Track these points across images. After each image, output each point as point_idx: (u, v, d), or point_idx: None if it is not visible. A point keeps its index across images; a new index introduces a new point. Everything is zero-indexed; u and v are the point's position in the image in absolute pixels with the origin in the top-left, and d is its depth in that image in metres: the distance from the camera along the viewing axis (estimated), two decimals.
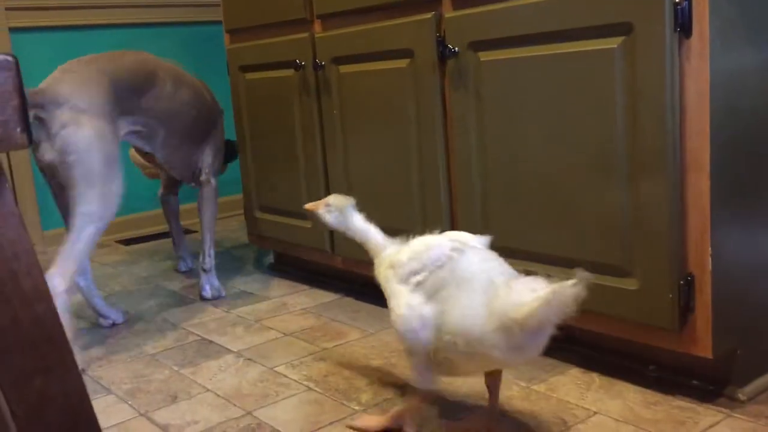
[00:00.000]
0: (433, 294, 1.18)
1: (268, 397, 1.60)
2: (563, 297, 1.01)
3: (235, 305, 2.27)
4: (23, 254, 0.48)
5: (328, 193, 2.21)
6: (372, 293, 2.15)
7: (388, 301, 1.28)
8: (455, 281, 1.16)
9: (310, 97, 2.18)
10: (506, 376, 1.60)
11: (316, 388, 1.62)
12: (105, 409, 1.61)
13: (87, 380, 1.77)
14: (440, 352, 1.17)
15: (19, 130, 0.43)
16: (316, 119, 2.18)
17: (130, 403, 1.63)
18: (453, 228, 1.81)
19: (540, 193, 1.59)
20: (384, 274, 1.31)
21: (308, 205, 1.54)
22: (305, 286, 2.40)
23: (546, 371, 1.62)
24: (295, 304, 2.23)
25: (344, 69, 2.04)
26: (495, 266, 1.18)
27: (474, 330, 1.11)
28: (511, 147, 1.63)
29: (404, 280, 1.23)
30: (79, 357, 1.91)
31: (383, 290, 1.32)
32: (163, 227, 3.48)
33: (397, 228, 1.86)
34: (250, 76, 2.44)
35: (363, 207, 2.10)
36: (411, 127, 1.87)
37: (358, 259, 2.04)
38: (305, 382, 1.66)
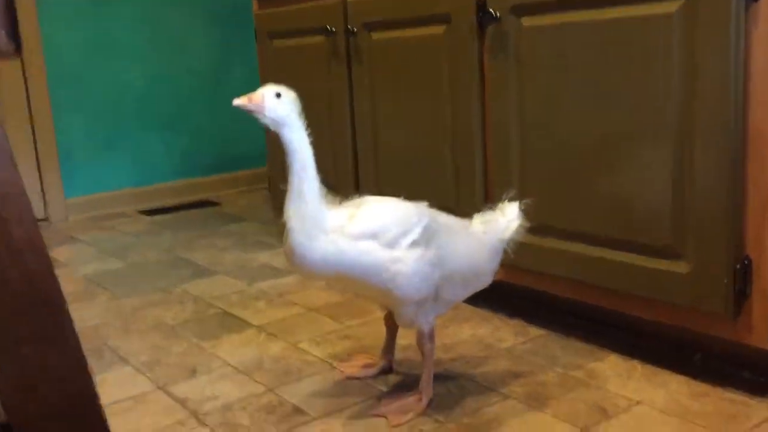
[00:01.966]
0: (428, 243, 1.26)
1: (290, 374, 1.54)
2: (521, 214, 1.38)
3: (258, 279, 2.20)
4: (14, 198, 0.39)
5: (356, 167, 2.12)
6: None
7: (374, 273, 1.22)
8: (442, 229, 1.30)
9: (340, 65, 2.09)
10: (540, 360, 1.51)
11: (341, 367, 1.55)
12: (121, 380, 1.55)
13: (104, 350, 1.72)
14: (440, 293, 1.31)
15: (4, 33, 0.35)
16: (345, 89, 2.09)
17: (148, 375, 1.57)
18: (488, 203, 1.72)
19: (583, 168, 1.49)
20: (359, 246, 1.21)
21: (238, 100, 1.23)
22: None
23: (583, 357, 1.53)
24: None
25: (377, 35, 1.95)
26: (447, 214, 1.38)
27: (477, 263, 1.34)
28: (554, 119, 1.53)
29: (392, 244, 1.23)
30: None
31: (357, 263, 1.22)
32: (187, 198, 3.43)
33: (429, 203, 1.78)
34: (278, 43, 2.35)
35: (392, 182, 2.03)
36: (446, 98, 1.77)
37: None
38: (329, 360, 1.59)
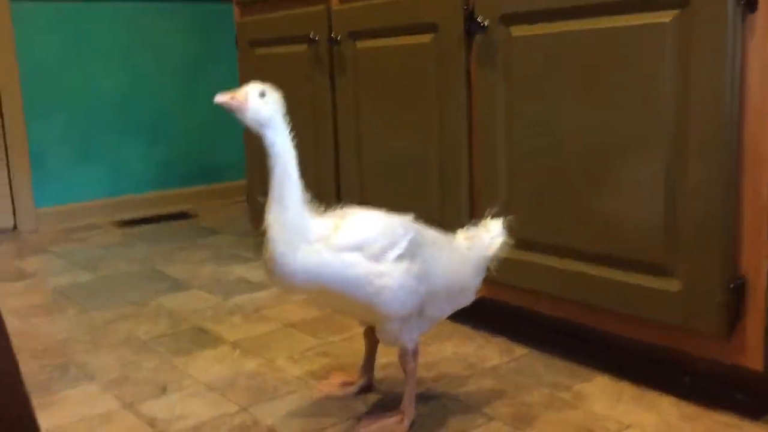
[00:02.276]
0: (413, 257, 1.22)
1: (265, 393, 1.47)
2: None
3: (233, 293, 2.13)
4: None
5: (337, 179, 2.07)
6: None
7: (360, 285, 1.17)
8: (427, 243, 1.26)
9: (323, 75, 2.04)
10: (525, 380, 1.46)
11: (318, 386, 1.48)
12: (86, 398, 1.48)
13: (70, 366, 1.63)
14: (424, 309, 1.27)
15: None
16: (328, 99, 2.05)
17: (115, 392, 1.50)
18: (473, 216, 1.67)
19: (572, 181, 1.45)
20: (344, 258, 1.16)
21: (221, 97, 1.17)
22: None
23: (570, 377, 1.48)
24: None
25: (362, 44, 1.91)
26: (427, 228, 1.32)
27: (461, 278, 1.30)
28: (543, 131, 1.49)
29: (377, 257, 1.18)
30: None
31: (342, 275, 1.16)
32: (162, 210, 3.35)
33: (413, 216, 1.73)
34: (259, 51, 2.30)
35: (375, 195, 1.98)
36: (432, 109, 1.73)
37: None
38: (306, 378, 1.53)
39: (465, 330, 1.75)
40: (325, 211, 1.24)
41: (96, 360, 1.67)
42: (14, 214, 3.11)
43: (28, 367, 1.64)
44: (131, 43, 3.31)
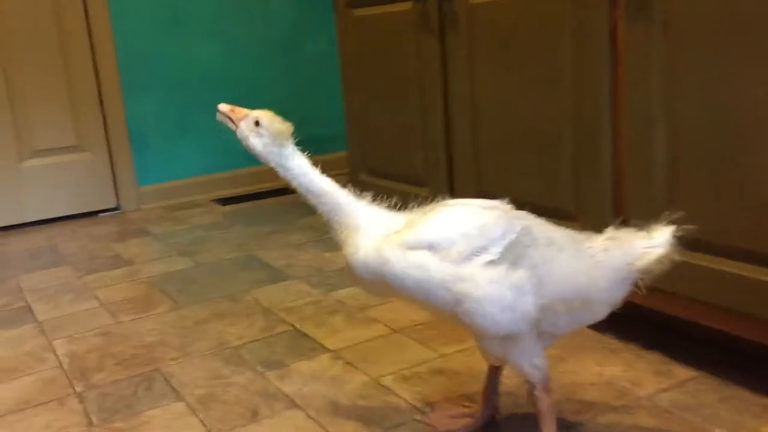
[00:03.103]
0: (516, 260, 0.98)
1: (370, 423, 1.24)
2: (672, 240, 1.00)
3: (336, 286, 1.91)
4: None
5: (449, 155, 1.79)
6: None
7: (426, 291, 1.00)
8: (541, 243, 1.00)
9: (431, 36, 1.76)
10: (696, 419, 1.15)
11: (430, 420, 1.24)
12: (170, 421, 1.30)
13: (156, 378, 1.47)
14: (540, 326, 1.01)
15: None
16: (437, 63, 1.76)
17: (201, 416, 1.31)
18: (620, 211, 1.36)
19: (761, 166, 1.11)
20: (409, 258, 1.00)
21: (223, 107, 1.13)
22: None
23: (756, 415, 1.16)
24: None
25: None
26: (552, 225, 1.05)
27: (587, 288, 1.00)
28: (718, 100, 1.15)
29: (458, 260, 0.98)
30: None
31: (405, 277, 1.00)
32: (263, 185, 3.19)
33: (540, 205, 1.44)
34: (359, 12, 2.04)
35: (493, 174, 1.70)
36: (565, 72, 1.41)
37: None
38: (419, 404, 1.28)
39: (609, 341, 1.45)
40: (421, 206, 1.08)
41: (184, 371, 1.50)
42: (117, 193, 3.03)
43: (113, 378, 1.49)
44: (226, 13, 3.12)
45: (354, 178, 2.24)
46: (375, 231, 1.05)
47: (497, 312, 0.97)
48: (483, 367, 1.21)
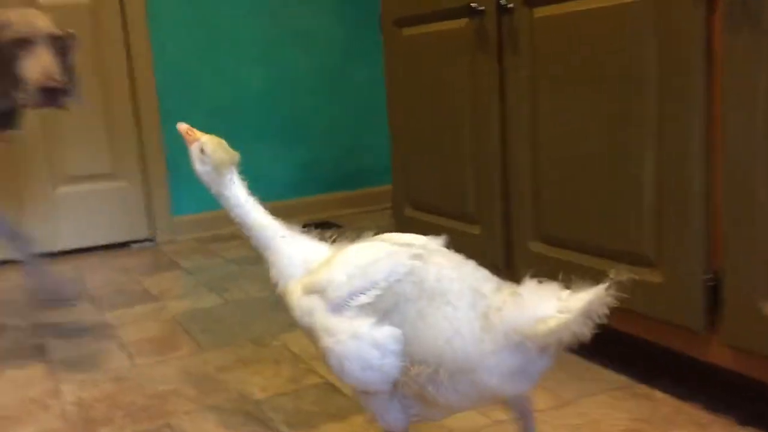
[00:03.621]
0: (387, 313, 0.89)
1: None
2: (596, 306, 0.77)
3: None
4: None
5: (505, 193, 1.60)
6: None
7: (316, 340, 0.94)
8: (425, 294, 0.88)
9: (487, 55, 1.57)
10: None
11: None
12: None
13: None
14: (409, 387, 0.90)
15: None
16: (494, 84, 1.57)
17: None
18: (715, 260, 1.14)
19: None
20: (300, 304, 0.97)
21: (181, 126, 1.11)
22: None
23: None
24: None
25: (541, 12, 1.41)
26: (472, 272, 0.91)
27: (465, 353, 0.84)
28: None
29: (339, 307, 0.91)
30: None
31: (302, 325, 0.97)
32: (303, 218, 3.02)
33: (611, 249, 1.23)
34: (407, 31, 1.87)
35: (557, 211, 1.49)
36: (646, 97, 1.21)
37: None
38: None
39: (693, 411, 1.22)
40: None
41: (197, 427, 1.31)
42: (151, 224, 2.90)
43: None
44: (271, 38, 3.01)
45: (398, 212, 2.05)
46: (293, 272, 1.02)
47: (357, 370, 0.90)
48: None
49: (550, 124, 1.43)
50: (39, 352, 1.75)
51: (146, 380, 1.54)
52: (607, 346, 1.42)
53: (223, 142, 1.09)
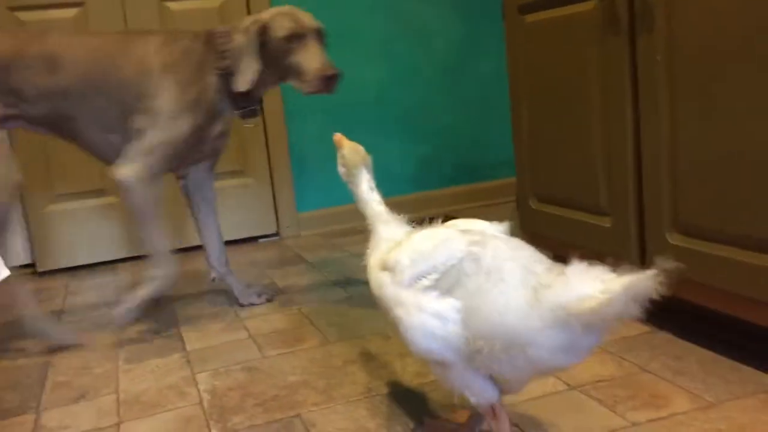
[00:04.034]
0: (450, 289, 0.95)
1: None
2: (640, 290, 0.80)
3: None
4: None
5: (638, 184, 1.51)
6: (702, 329, 1.43)
7: (387, 311, 1.04)
8: (482, 271, 0.94)
9: (618, 38, 1.49)
10: None
11: None
12: None
13: (295, 425, 1.31)
14: (476, 362, 0.95)
15: None
16: (626, 72, 1.49)
17: None
18: None
19: None
20: (376, 278, 1.08)
21: (336, 135, 1.27)
22: None
23: None
24: None
25: None
26: (528, 254, 0.96)
27: (516, 328, 0.89)
28: None
29: (407, 285, 1.00)
30: None
31: (377, 296, 1.08)
32: (425, 212, 3.02)
33: (762, 239, 1.13)
34: (531, 17, 1.81)
35: (697, 207, 1.38)
36: None
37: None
38: None
39: None
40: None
41: (326, 420, 1.32)
42: (277, 220, 2.99)
43: (251, 422, 1.35)
44: (392, 33, 3.02)
45: (523, 205, 2.00)
46: (378, 249, 1.12)
47: (425, 339, 0.96)
48: None
49: (689, 111, 1.34)
50: (176, 342, 1.84)
51: (275, 371, 1.58)
52: (760, 346, 1.31)
53: (359, 147, 1.22)
